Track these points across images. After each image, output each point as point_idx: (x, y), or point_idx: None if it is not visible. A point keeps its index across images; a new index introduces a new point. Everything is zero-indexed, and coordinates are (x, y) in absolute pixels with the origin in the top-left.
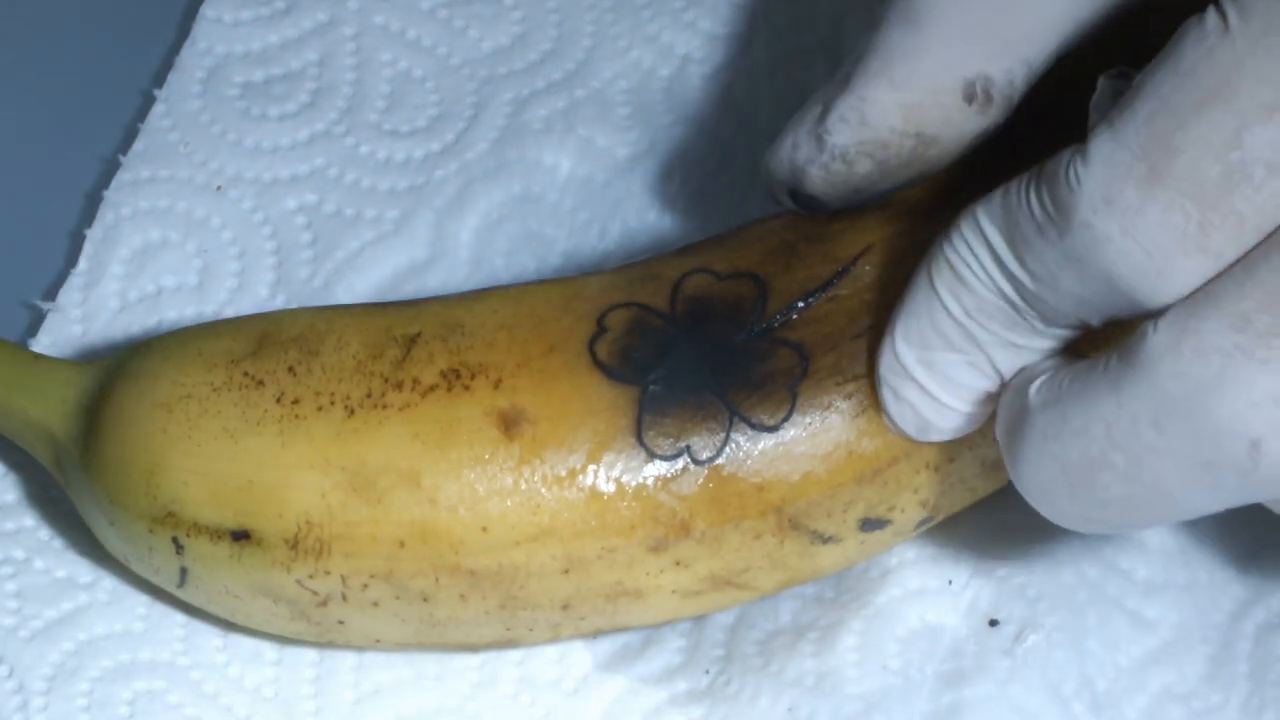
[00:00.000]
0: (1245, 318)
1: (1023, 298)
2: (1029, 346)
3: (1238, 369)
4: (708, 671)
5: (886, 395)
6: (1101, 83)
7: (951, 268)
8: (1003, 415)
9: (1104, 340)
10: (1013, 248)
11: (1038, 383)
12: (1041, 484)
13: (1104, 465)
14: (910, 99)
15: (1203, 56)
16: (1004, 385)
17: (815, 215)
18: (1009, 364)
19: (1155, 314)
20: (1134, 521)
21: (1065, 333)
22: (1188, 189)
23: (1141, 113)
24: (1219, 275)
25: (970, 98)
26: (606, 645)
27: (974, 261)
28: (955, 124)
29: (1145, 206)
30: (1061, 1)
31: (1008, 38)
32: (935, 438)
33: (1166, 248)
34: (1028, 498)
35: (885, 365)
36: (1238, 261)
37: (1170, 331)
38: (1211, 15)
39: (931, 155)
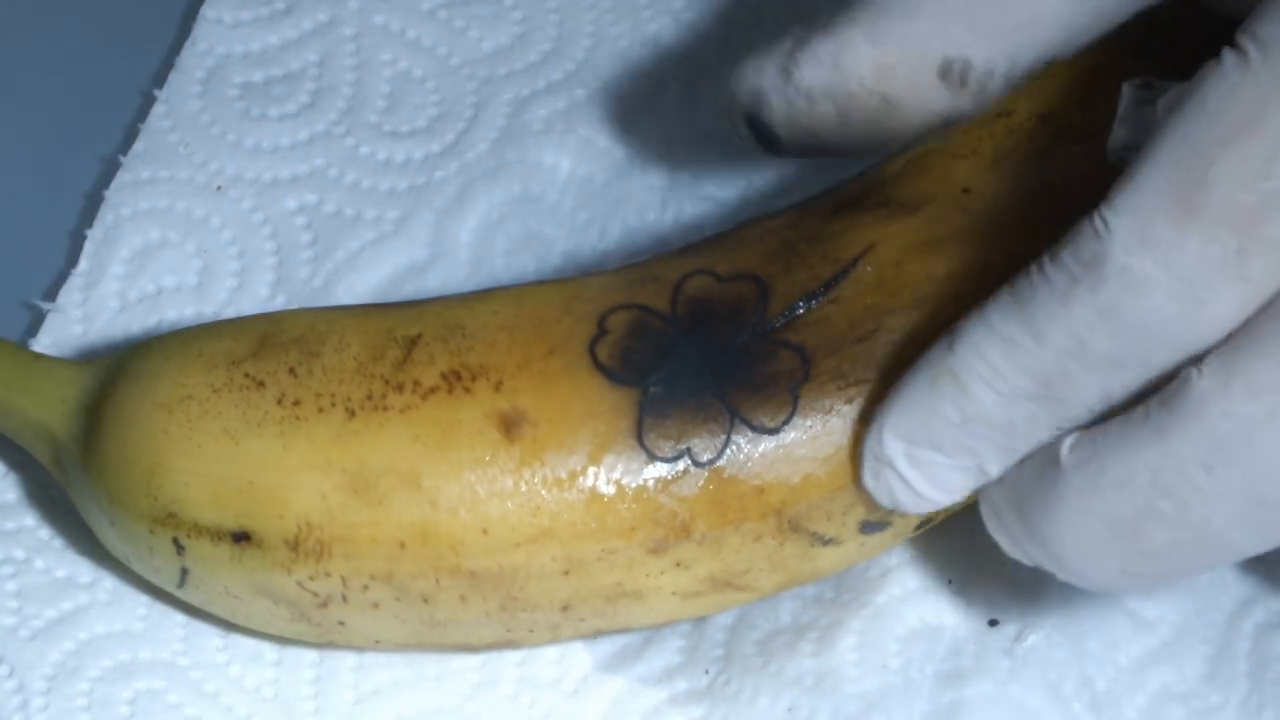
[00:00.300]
0: None
1: (1045, 385)
2: (1025, 452)
3: None
4: (707, 671)
5: (866, 471)
6: (1125, 89)
7: (955, 375)
8: (1019, 488)
9: None
10: (1031, 329)
11: (1069, 442)
12: (1082, 542)
13: (1150, 514)
14: (886, 58)
15: (1226, 94)
16: (990, 481)
17: (814, 212)
18: (1001, 468)
19: (1192, 362)
20: (1178, 569)
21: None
22: (1223, 219)
23: (1167, 154)
24: (1258, 313)
25: (945, 75)
26: (606, 646)
27: (982, 366)
28: (923, 97)
29: (1183, 240)
30: (1058, 4)
31: (998, 26)
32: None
33: (1207, 277)
34: (1060, 563)
35: (869, 449)
36: (1276, 298)
37: (1217, 374)
38: (1230, 55)
39: (892, 123)
